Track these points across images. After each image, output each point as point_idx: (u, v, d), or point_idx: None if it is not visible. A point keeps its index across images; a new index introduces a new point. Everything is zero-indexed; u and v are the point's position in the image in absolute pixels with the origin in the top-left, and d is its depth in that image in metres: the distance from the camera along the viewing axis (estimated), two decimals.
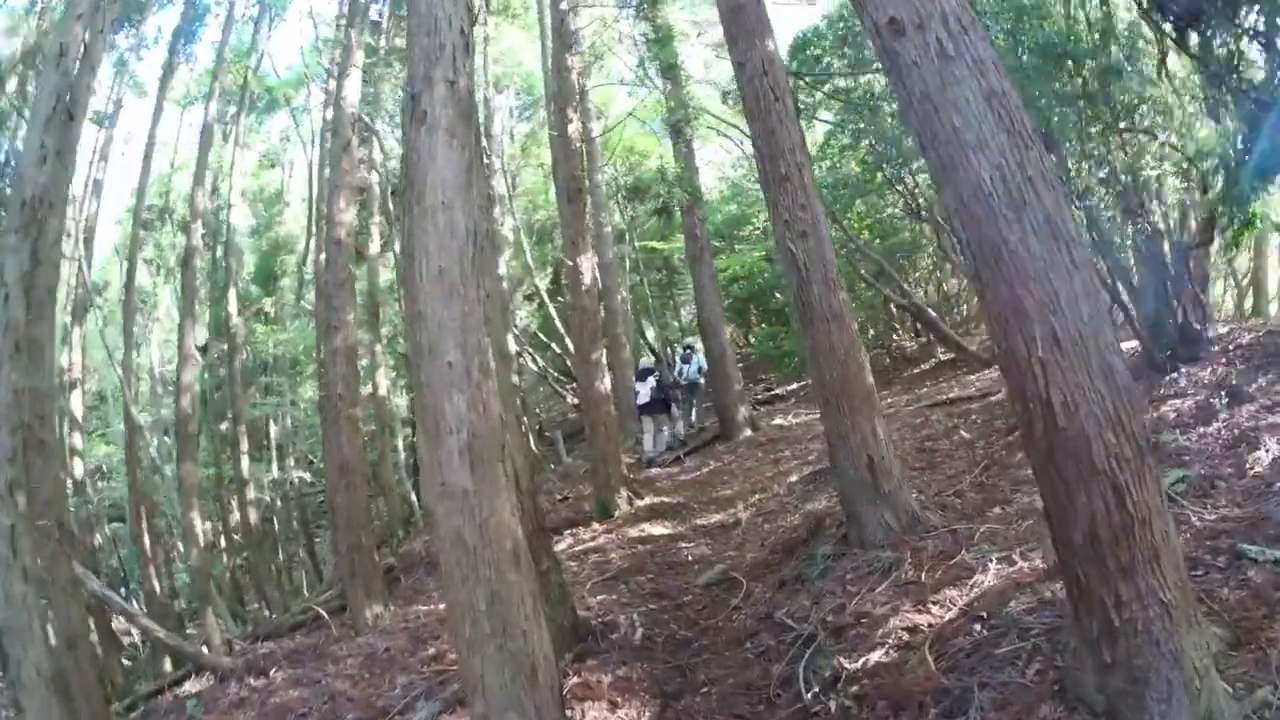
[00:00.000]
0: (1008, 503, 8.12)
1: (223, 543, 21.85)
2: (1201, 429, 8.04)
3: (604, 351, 13.78)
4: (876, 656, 5.86)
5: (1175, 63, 9.91)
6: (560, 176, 14.17)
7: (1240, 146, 8.32)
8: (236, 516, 20.97)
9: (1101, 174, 10.19)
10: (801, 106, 19.22)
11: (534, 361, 24.74)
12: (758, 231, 27.41)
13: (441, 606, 10.68)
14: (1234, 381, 8.76)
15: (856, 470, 7.88)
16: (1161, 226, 10.23)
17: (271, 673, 9.89)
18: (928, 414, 13.84)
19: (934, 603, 6.29)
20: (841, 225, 19.25)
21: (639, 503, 13.28)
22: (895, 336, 24.58)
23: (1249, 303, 16.56)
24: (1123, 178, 9.97)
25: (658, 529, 12.02)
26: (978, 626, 5.61)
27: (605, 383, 13.51)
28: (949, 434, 11.98)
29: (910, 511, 7.90)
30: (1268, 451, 7.28)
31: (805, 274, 7.99)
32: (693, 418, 19.89)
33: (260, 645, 12.02)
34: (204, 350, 21.86)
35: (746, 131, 21.51)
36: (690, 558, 10.51)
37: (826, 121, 18.95)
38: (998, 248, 4.17)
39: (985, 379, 16.07)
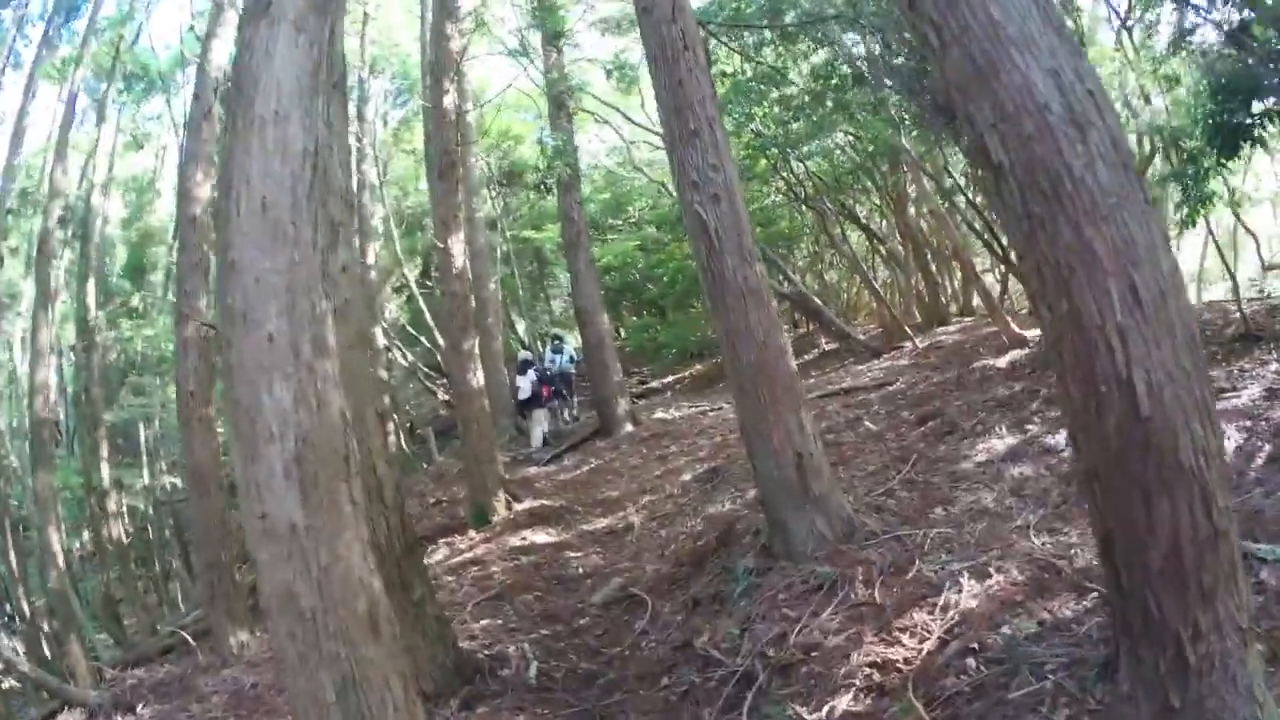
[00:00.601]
0: (949, 502, 7.14)
1: (97, 556, 19.40)
2: None
3: (476, 342, 12.28)
4: (844, 703, 4.63)
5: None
6: (433, 151, 12.64)
7: (1209, 118, 7.45)
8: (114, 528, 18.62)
9: None
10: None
11: (403, 356, 23.03)
12: (633, 221, 26.29)
13: None
14: None
15: (780, 469, 6.68)
16: None
17: (139, 709, 8.37)
18: (822, 405, 12.82)
19: (902, 630, 5.11)
20: None
21: (518, 506, 11.86)
22: None
23: None
24: None
25: (541, 536, 10.67)
26: (971, 661, 4.46)
27: (478, 376, 12.05)
28: (852, 426, 10.99)
29: (845, 516, 6.76)
30: (1229, 439, 6.53)
31: (717, 243, 6.74)
32: (565, 415, 18.55)
33: (131, 673, 10.31)
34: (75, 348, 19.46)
35: (628, 115, 20.62)
36: (581, 570, 9.23)
37: None
38: (1058, 175, 3.02)
39: (876, 369, 15.28)
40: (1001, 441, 8.30)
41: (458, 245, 12.00)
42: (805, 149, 16.23)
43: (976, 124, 3.21)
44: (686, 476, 11.48)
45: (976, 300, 19.73)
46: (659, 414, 17.12)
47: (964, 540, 6.12)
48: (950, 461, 8.22)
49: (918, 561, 5.86)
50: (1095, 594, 4.67)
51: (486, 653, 6.88)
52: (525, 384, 16.41)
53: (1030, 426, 8.37)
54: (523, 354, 19.09)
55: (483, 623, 7.77)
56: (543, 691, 6.28)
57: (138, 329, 22.83)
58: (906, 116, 12.84)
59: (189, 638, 10.67)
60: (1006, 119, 3.08)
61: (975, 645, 4.56)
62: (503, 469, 12.43)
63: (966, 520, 6.56)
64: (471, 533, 11.36)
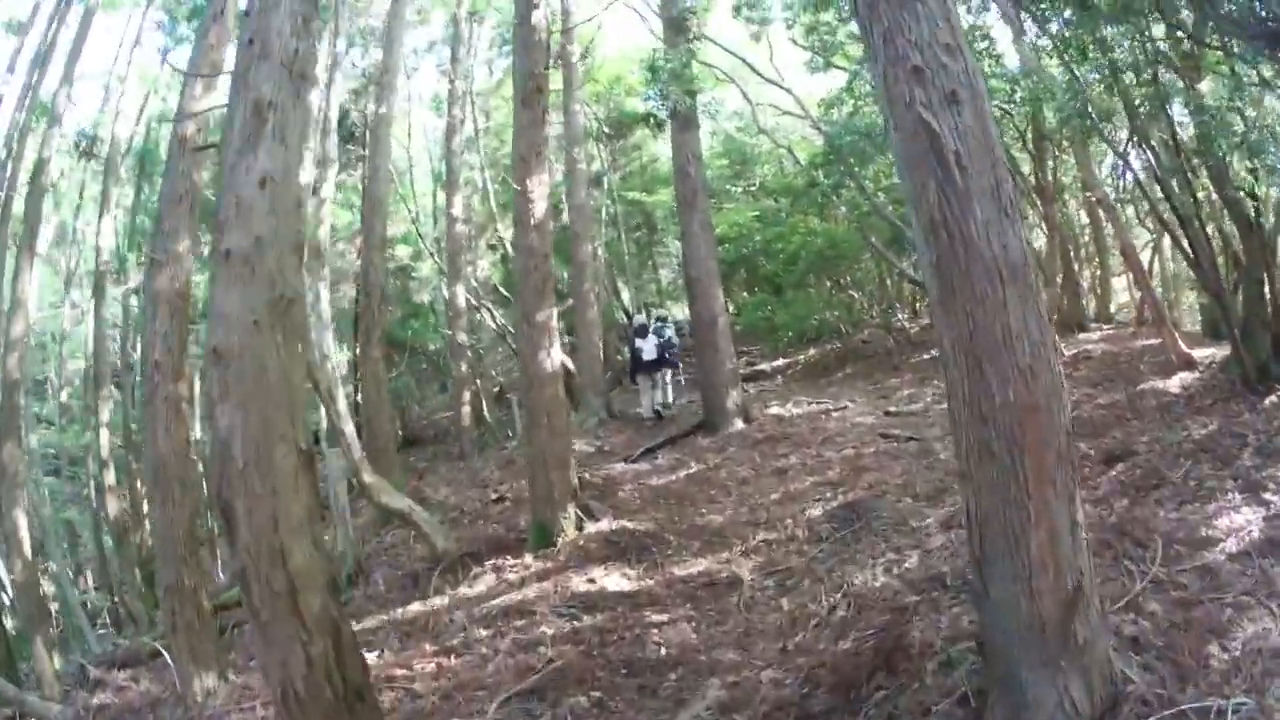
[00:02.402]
0: (1223, 633, 4.05)
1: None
2: None
3: (554, 314, 9.07)
4: None
5: None
6: (517, 74, 9.52)
7: None
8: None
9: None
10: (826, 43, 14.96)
11: (493, 319, 20.16)
12: (752, 189, 22.92)
13: None
14: None
15: (1033, 600, 3.44)
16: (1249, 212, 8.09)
17: None
18: None
19: None
20: (859, 183, 14.88)
21: (591, 528, 8.77)
22: (898, 317, 20.28)
23: None
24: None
25: (615, 579, 7.58)
26: None
27: (553, 357, 8.90)
28: None
29: (1108, 677, 3.62)
30: None
31: (958, 176, 3.44)
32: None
33: (115, 675, 8.31)
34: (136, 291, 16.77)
35: (755, 66, 17.19)
36: (665, 651, 6.08)
37: (843, 68, 15.16)
38: None
39: None
40: (1239, 515, 5.35)
41: (539, 188, 8.94)
42: None
43: None
44: (815, 511, 8.25)
45: (1114, 306, 17.58)
46: (773, 409, 13.77)
47: None
48: (1188, 544, 5.08)
49: None
50: None
51: None
52: (649, 347, 14.67)
53: (1269, 496, 5.49)
54: (639, 318, 17.60)
55: None
56: None
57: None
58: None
59: (166, 654, 7.99)
60: None
61: None
62: (575, 477, 9.22)
63: (1261, 676, 3.65)
64: (528, 557, 8.44)
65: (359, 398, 16.39)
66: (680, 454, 12.19)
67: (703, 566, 7.61)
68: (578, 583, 7.47)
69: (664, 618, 6.61)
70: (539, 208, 8.89)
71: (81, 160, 16.12)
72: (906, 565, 6.31)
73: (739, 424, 12.80)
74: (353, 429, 9.63)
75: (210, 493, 3.25)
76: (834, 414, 12.77)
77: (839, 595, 6.11)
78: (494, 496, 11.42)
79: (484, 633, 6.71)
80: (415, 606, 7.90)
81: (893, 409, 12.54)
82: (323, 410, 10.33)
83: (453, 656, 6.42)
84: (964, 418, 3.51)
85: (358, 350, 16.23)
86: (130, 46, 15.58)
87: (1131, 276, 15.55)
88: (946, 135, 3.44)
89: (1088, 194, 15.71)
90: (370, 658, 6.78)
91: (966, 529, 3.70)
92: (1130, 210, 15.19)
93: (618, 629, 6.46)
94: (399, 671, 6.27)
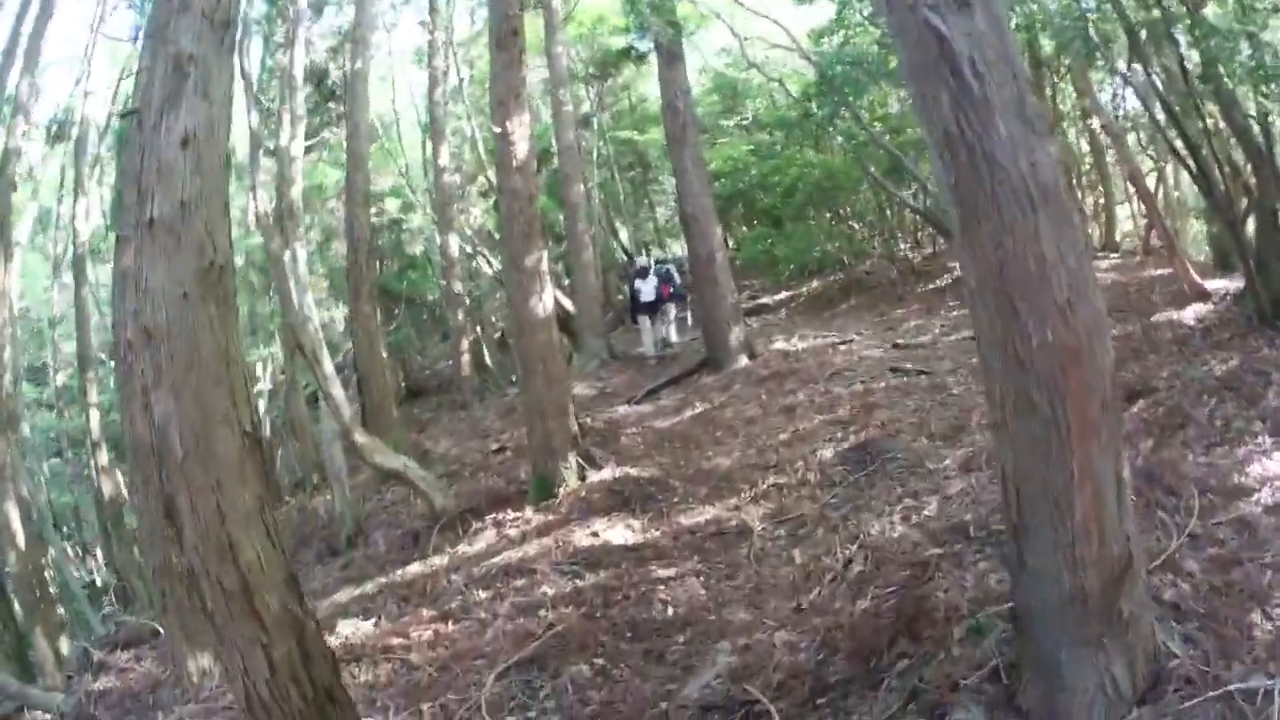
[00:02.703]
0: (1265, 599, 3.58)
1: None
2: None
3: (543, 257, 8.56)
4: None
5: None
6: (492, 17, 8.96)
7: None
8: None
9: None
10: None
11: (488, 264, 19.65)
12: (745, 123, 22.22)
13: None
14: None
15: (1074, 572, 2.99)
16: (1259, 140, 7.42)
17: None
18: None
19: None
20: (854, 112, 14.22)
21: (593, 476, 8.31)
22: (900, 247, 19.69)
23: None
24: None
25: (619, 531, 7.17)
26: None
27: (545, 300, 8.41)
28: None
29: (1151, 653, 3.21)
30: None
31: (976, 85, 2.88)
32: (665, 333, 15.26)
33: (118, 656, 7.80)
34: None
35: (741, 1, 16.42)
36: (672, 611, 5.69)
37: None
38: None
39: None
40: (1272, 461, 4.85)
41: (519, 130, 8.36)
42: None
43: None
44: (826, 452, 7.76)
45: (1118, 235, 16.82)
46: (778, 343, 13.21)
47: None
48: (1222, 493, 4.59)
49: None
50: None
51: None
52: (648, 288, 14.41)
53: None
54: (640, 260, 16.98)
55: None
56: None
57: None
58: None
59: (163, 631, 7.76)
60: None
61: None
62: (575, 424, 8.75)
63: None
64: (528, 510, 8.00)
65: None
66: (684, 394, 11.70)
67: (710, 515, 7.18)
68: (580, 536, 7.06)
69: (670, 573, 6.21)
70: (520, 150, 8.33)
71: (57, 145, 15.46)
72: (926, 512, 5.87)
73: (743, 360, 12.26)
74: (340, 390, 9.16)
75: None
76: (840, 347, 12.24)
77: (854, 547, 5.69)
78: (494, 447, 10.98)
79: (483, 595, 6.34)
80: (414, 567, 7.54)
81: (900, 341, 12.02)
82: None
83: (450, 622, 6.05)
84: (998, 364, 3.00)
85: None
86: (97, 26, 14.72)
87: (1136, 204, 15.11)
88: (959, 40, 2.86)
89: (1088, 121, 15.21)
90: (367, 626, 6.47)
91: (1002, 491, 3.22)
92: (1132, 138, 14.67)
93: (622, 587, 6.06)
94: (395, 641, 5.90)
